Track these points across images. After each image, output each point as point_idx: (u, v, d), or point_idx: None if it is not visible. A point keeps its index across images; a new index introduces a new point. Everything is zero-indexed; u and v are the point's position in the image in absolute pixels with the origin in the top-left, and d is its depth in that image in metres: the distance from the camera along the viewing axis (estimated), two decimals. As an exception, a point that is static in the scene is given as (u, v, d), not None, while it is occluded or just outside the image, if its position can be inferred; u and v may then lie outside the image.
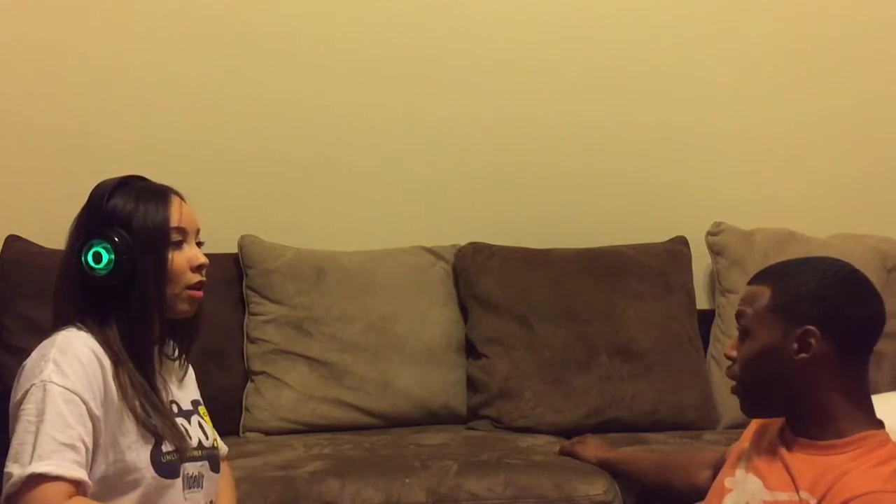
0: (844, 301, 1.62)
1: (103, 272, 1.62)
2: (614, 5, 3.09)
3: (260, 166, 2.97)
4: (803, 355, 1.59)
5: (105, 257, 1.62)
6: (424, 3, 3.02)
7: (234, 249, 2.81)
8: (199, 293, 1.72)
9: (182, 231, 1.70)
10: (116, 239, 1.63)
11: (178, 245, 1.69)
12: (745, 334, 1.67)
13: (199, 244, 1.74)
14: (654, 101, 3.11)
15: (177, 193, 1.73)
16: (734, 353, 1.69)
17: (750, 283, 1.72)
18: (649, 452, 2.19)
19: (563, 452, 2.41)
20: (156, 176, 1.76)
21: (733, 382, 1.70)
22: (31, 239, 2.67)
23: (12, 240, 2.69)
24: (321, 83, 2.98)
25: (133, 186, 1.70)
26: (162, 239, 1.67)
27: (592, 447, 2.37)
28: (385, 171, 3.03)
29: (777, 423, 1.72)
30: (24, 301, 2.54)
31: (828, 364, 1.59)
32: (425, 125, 3.03)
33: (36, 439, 1.52)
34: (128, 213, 1.66)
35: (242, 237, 2.82)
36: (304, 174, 2.99)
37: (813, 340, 1.59)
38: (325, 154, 3.00)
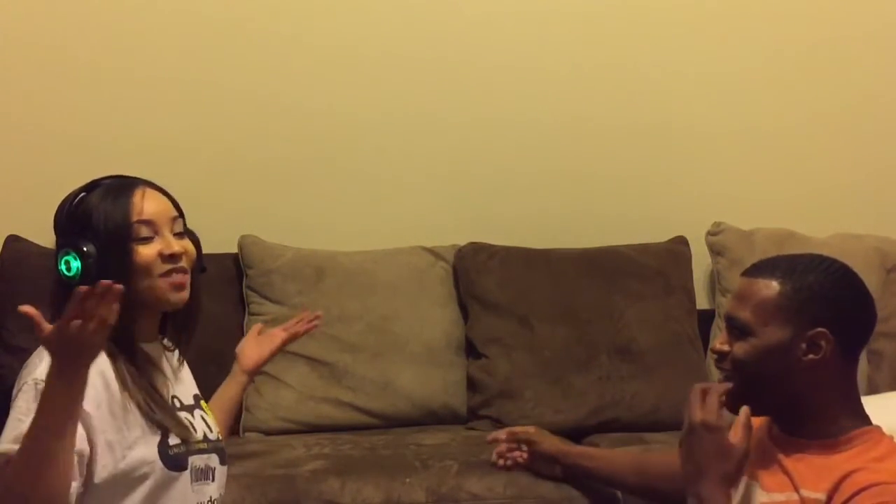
0: (852, 303, 1.61)
1: (76, 280, 1.60)
2: (613, 5, 3.08)
3: (260, 166, 2.96)
4: (812, 356, 1.57)
5: (73, 265, 1.62)
6: (424, 4, 3.01)
7: (234, 249, 2.81)
8: (178, 280, 1.67)
9: (150, 224, 1.66)
10: (84, 248, 1.62)
11: (148, 240, 1.66)
12: (743, 332, 1.60)
13: (179, 233, 1.70)
14: (654, 100, 3.11)
15: (147, 185, 1.70)
16: (725, 349, 1.62)
17: (748, 275, 1.63)
18: (622, 451, 2.04)
19: (511, 439, 2.19)
20: (155, 176, 1.75)
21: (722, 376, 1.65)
22: (31, 239, 2.66)
23: (12, 240, 2.68)
24: (321, 83, 2.98)
25: (101, 187, 1.68)
26: (123, 237, 1.64)
27: (550, 438, 2.19)
28: (385, 171, 3.02)
29: (761, 421, 1.68)
30: (24, 301, 2.49)
31: (831, 365, 1.58)
32: (425, 125, 3.03)
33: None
34: (89, 217, 1.65)
35: (242, 237, 2.82)
36: (304, 174, 2.99)
37: (824, 342, 1.56)
38: (325, 154, 2.99)
